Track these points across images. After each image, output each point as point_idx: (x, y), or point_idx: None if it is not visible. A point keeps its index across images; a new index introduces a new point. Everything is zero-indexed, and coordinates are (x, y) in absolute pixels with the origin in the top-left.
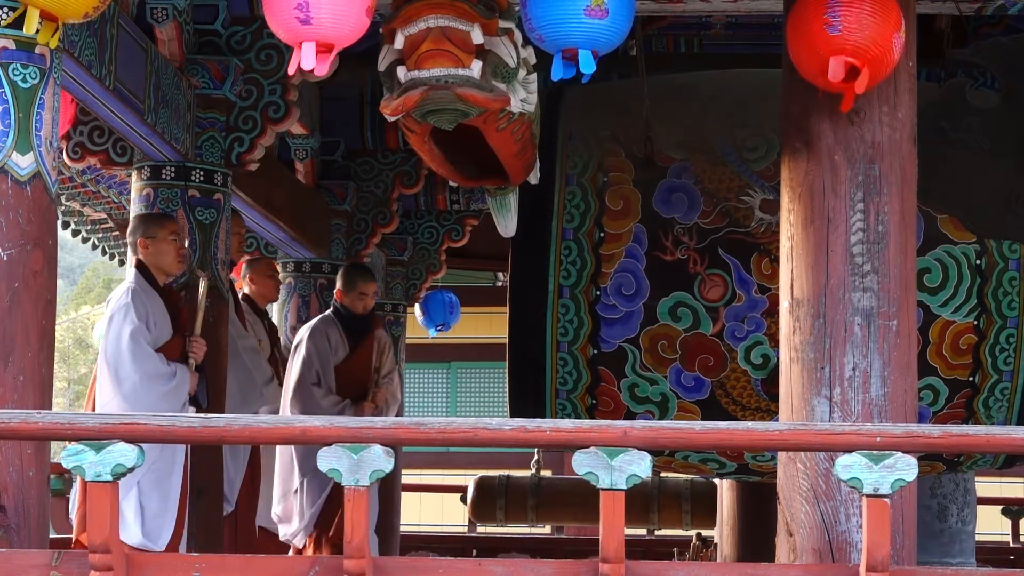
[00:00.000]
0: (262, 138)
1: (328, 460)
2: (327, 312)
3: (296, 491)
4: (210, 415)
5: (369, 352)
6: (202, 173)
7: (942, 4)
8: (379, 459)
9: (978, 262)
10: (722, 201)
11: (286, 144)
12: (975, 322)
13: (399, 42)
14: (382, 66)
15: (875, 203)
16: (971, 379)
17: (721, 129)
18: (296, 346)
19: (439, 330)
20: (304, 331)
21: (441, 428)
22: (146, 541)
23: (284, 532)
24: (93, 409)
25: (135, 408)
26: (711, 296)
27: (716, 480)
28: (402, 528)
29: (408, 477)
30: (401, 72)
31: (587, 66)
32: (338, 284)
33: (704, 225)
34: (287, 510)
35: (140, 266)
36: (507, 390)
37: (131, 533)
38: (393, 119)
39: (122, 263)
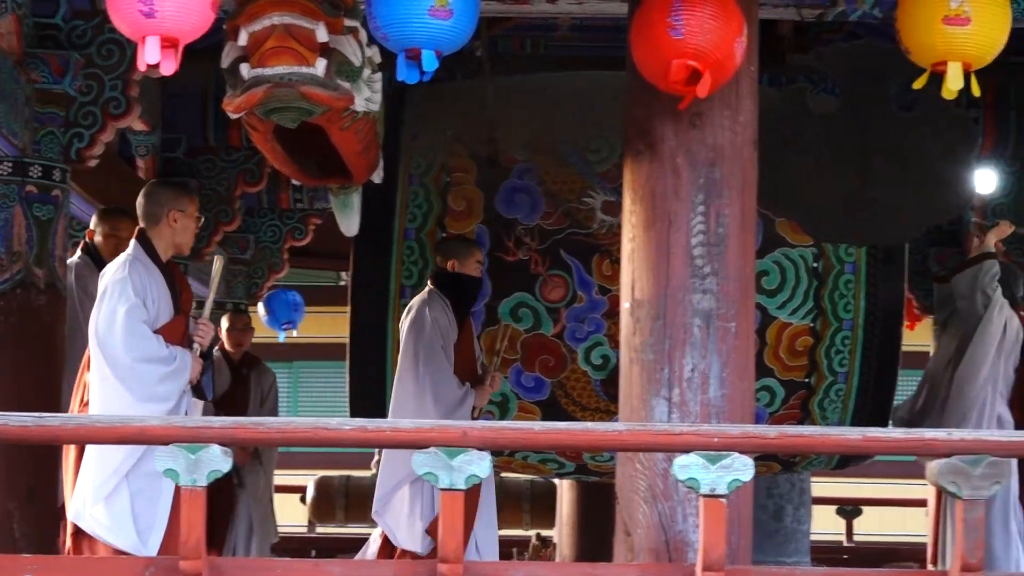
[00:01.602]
0: (102, 134)
1: (165, 460)
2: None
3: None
4: (44, 414)
5: (470, 332)
6: (40, 169)
7: (784, 10)
8: (217, 459)
9: (815, 265)
10: (564, 202)
11: (127, 140)
12: (811, 324)
13: (243, 39)
14: (226, 63)
15: (716, 206)
16: (807, 380)
17: (565, 131)
18: (411, 325)
19: (286, 329)
20: (417, 302)
21: (280, 428)
22: (139, 544)
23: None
24: (83, 394)
25: (132, 390)
26: (552, 297)
27: (556, 480)
28: None
29: None
30: (245, 69)
31: (430, 66)
32: (445, 254)
33: (546, 226)
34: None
35: (142, 238)
36: (348, 390)
37: (127, 537)
38: (236, 116)
39: None
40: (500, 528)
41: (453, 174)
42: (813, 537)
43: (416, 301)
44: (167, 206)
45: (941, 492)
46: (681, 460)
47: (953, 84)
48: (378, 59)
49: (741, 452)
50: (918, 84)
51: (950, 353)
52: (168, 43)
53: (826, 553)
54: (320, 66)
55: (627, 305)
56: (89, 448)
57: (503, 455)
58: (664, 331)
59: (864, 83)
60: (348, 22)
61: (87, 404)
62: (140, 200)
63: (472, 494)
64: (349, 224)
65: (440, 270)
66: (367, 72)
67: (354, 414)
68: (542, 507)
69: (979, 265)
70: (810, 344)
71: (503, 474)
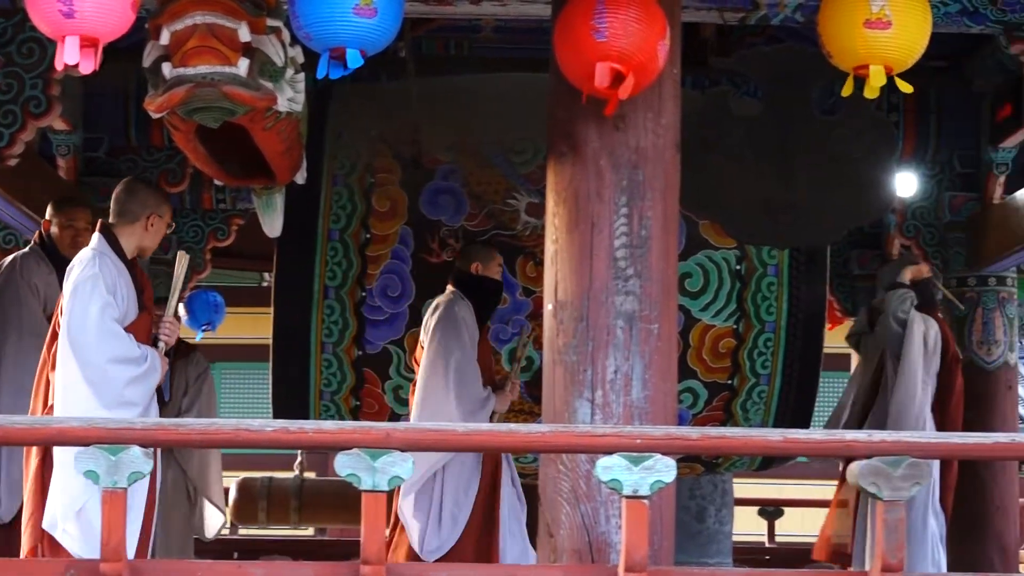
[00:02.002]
0: (22, 133)
1: (85, 462)
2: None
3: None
4: None
5: (487, 336)
6: None
7: (707, 13)
8: (138, 461)
9: (738, 267)
10: (488, 204)
11: (48, 140)
12: (734, 326)
13: (165, 38)
14: (147, 62)
15: (638, 208)
16: (730, 382)
17: (489, 132)
18: (440, 320)
19: (205, 330)
20: (444, 300)
21: (201, 429)
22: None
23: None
24: (47, 395)
25: (101, 394)
26: None
27: None
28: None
29: None
30: (167, 69)
31: (354, 62)
32: (469, 257)
33: (470, 228)
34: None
35: (107, 233)
36: (271, 392)
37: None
38: (158, 116)
39: None
40: None
41: (377, 175)
42: (735, 538)
43: (442, 299)
44: (149, 209)
45: (860, 492)
46: (604, 461)
47: (875, 87)
48: (301, 59)
49: (664, 453)
50: (845, 91)
51: (869, 376)
52: (88, 43)
53: (748, 554)
54: (242, 66)
55: (550, 307)
56: (58, 459)
57: None
58: (587, 333)
59: (786, 86)
60: (271, 22)
61: (52, 407)
62: (119, 195)
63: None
64: (272, 225)
65: (463, 272)
66: (290, 72)
67: (277, 415)
68: None
69: (892, 293)
70: (733, 346)
71: None
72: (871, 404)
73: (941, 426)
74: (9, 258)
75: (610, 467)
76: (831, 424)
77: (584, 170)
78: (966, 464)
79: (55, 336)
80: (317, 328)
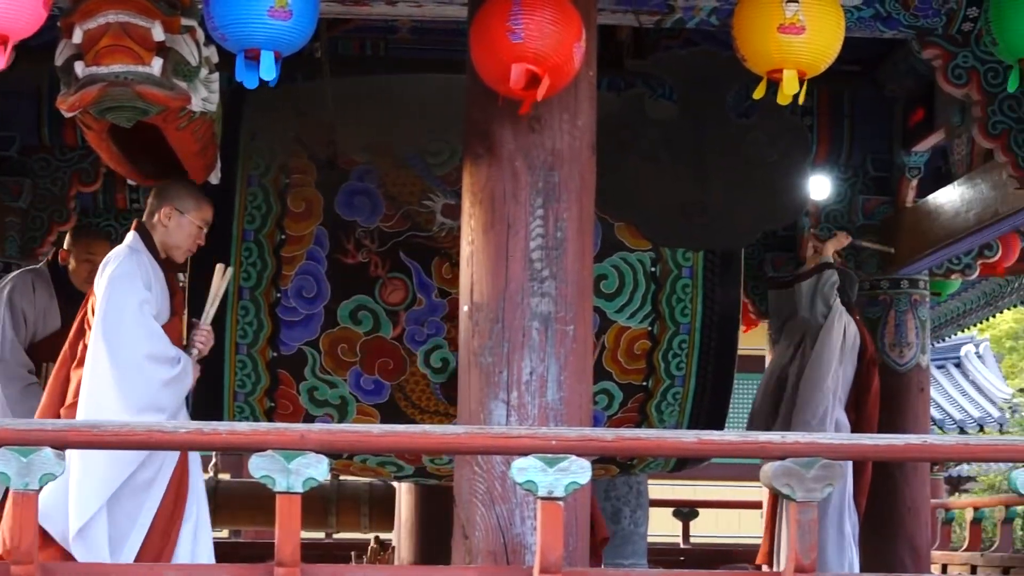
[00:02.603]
0: None
1: None
2: None
3: None
4: None
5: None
6: None
7: (623, 16)
8: (50, 462)
9: (653, 269)
10: (404, 205)
11: None
12: (649, 328)
13: (78, 36)
14: (60, 60)
15: (554, 210)
16: (645, 384)
17: (405, 133)
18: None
19: None
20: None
21: (115, 431)
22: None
23: None
24: (63, 392)
25: (132, 394)
26: (392, 300)
27: (395, 483)
28: None
29: None
30: (79, 67)
31: (268, 68)
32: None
33: (386, 229)
34: None
35: (142, 230)
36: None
37: (96, 544)
38: (71, 115)
39: None
40: (337, 531)
41: (292, 176)
42: (650, 539)
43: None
44: (164, 202)
45: (776, 494)
46: (519, 463)
47: (788, 91)
48: (215, 59)
49: (578, 455)
50: (758, 93)
51: (787, 359)
52: None
53: (663, 555)
54: (156, 65)
55: (466, 308)
56: (72, 469)
57: (342, 458)
58: (503, 334)
59: (701, 89)
60: (185, 21)
61: (73, 406)
62: (152, 192)
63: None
64: None
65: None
66: (204, 72)
67: (191, 416)
68: (381, 510)
69: (818, 275)
70: (648, 348)
71: (342, 477)
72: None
73: (857, 427)
74: (13, 276)
75: (525, 468)
76: (753, 417)
77: (500, 171)
78: (879, 465)
79: (80, 332)
80: (231, 329)
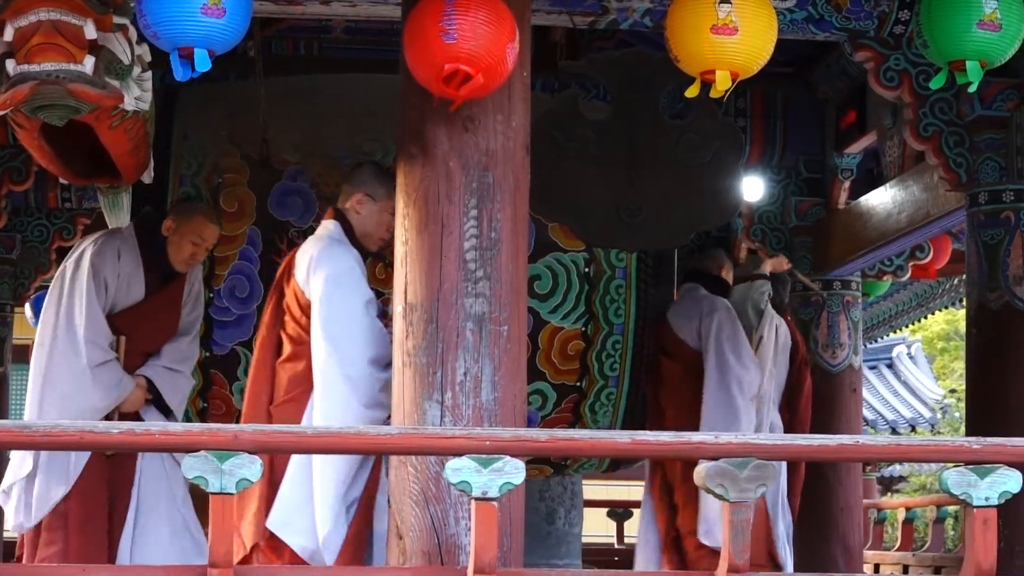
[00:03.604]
0: None
1: None
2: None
3: None
4: None
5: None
6: None
7: (557, 16)
8: None
9: (587, 270)
10: None
11: None
12: (583, 328)
13: (8, 34)
14: None
15: (488, 210)
16: (578, 384)
17: (338, 133)
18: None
19: None
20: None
21: (46, 431)
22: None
23: None
24: (271, 389)
25: (359, 391)
26: None
27: None
28: (6, 535)
29: None
30: (10, 65)
31: (202, 65)
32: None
33: None
34: None
35: (341, 218)
36: None
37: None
38: (1, 113)
39: None
40: None
41: (225, 175)
42: (585, 539)
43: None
44: (357, 188)
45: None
46: (453, 463)
47: (721, 90)
48: (148, 57)
49: (513, 455)
50: (690, 93)
51: None
52: None
53: (597, 555)
54: (88, 63)
55: (400, 308)
56: (294, 463)
57: None
58: (437, 335)
59: (635, 90)
60: (117, 19)
61: (286, 402)
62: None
63: None
64: (118, 224)
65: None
66: (137, 70)
67: (122, 417)
68: None
69: (751, 283)
70: (581, 348)
71: None
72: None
73: (790, 427)
74: (88, 240)
75: (459, 469)
76: None
77: (434, 172)
78: (812, 466)
79: (274, 323)
80: None
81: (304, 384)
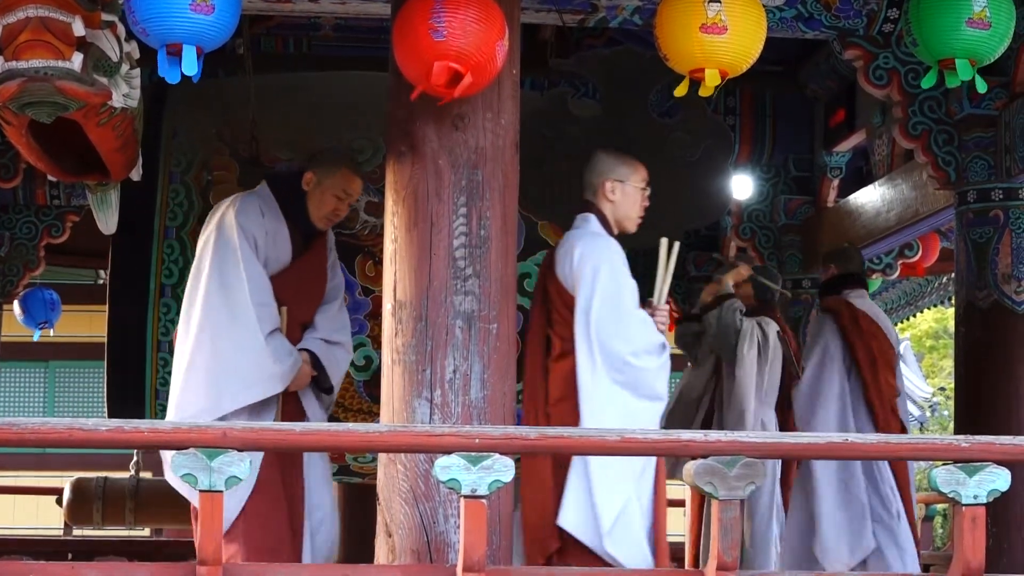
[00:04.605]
0: None
1: None
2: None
3: None
4: None
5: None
6: None
7: (546, 15)
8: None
9: None
10: None
11: None
12: None
13: None
14: None
15: (477, 208)
16: None
17: (328, 131)
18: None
19: (42, 328)
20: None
21: (35, 428)
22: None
23: None
24: (546, 387)
25: (636, 392)
26: None
27: None
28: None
29: (1, 479)
30: None
31: (190, 63)
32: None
33: None
34: None
35: (595, 210)
36: (105, 390)
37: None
38: None
39: None
40: None
41: (214, 172)
42: None
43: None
44: (603, 176)
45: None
46: (442, 461)
47: (710, 86)
48: (137, 54)
49: (502, 453)
50: (679, 91)
51: (703, 383)
52: None
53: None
54: (76, 61)
55: (389, 306)
56: (596, 464)
57: None
58: (426, 332)
59: (624, 88)
60: (106, 16)
61: (561, 400)
62: (584, 169)
63: None
64: (107, 221)
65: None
66: (125, 68)
67: (112, 414)
68: None
69: (720, 307)
70: None
71: None
72: (711, 410)
73: (784, 426)
74: (223, 205)
75: (448, 467)
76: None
77: (423, 169)
78: None
79: (543, 322)
80: (153, 326)
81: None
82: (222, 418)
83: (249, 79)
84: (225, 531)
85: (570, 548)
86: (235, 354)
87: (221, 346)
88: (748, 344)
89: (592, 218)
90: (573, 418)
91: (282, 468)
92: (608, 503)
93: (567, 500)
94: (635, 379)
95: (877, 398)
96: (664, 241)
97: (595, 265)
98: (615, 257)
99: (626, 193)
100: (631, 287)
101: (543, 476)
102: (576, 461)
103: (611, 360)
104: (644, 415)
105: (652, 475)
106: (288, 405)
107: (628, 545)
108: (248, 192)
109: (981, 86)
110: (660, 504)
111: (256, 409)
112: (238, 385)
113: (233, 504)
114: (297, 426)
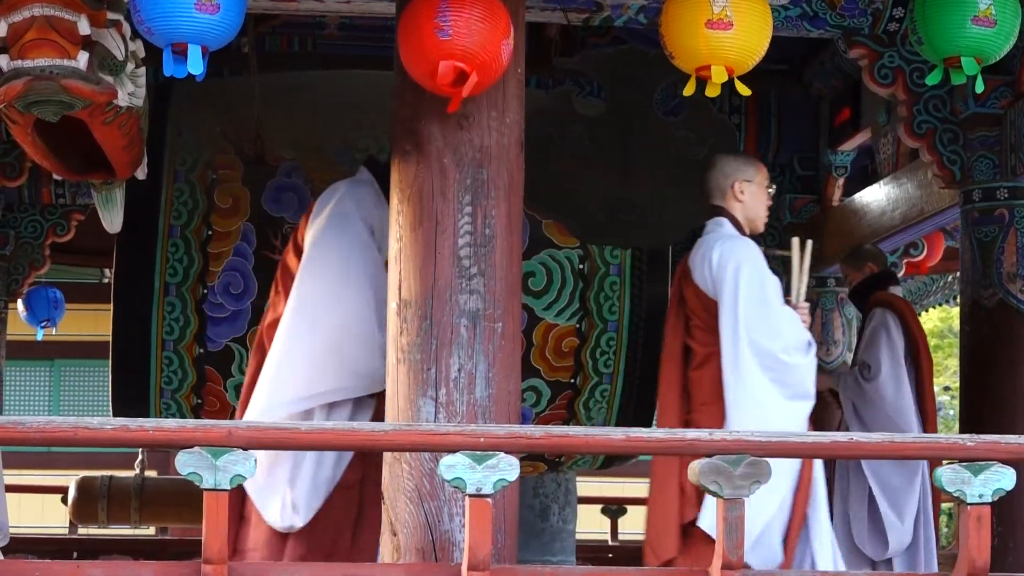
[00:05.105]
0: None
1: None
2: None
3: None
4: None
5: None
6: None
7: (551, 14)
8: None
9: (581, 266)
10: None
11: None
12: (577, 325)
13: (2, 30)
14: None
15: (482, 207)
16: (572, 381)
17: (333, 129)
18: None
19: (44, 327)
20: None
21: (40, 427)
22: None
23: None
24: (694, 393)
25: (786, 392)
26: None
27: None
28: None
29: (7, 477)
30: (4, 61)
31: (195, 62)
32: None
33: None
34: None
35: (725, 213)
36: (110, 389)
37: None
38: None
39: None
40: None
41: (219, 171)
42: (579, 536)
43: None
44: (731, 178)
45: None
46: (447, 460)
47: (716, 82)
48: (142, 53)
49: (507, 452)
50: (687, 91)
51: None
52: None
53: (591, 552)
54: (82, 59)
55: (394, 305)
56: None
57: None
58: (431, 331)
59: (629, 87)
60: (111, 15)
61: (705, 404)
62: (704, 176)
63: None
64: (112, 220)
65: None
66: (130, 66)
67: (117, 413)
68: None
69: None
70: (576, 345)
71: None
72: None
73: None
74: (337, 191)
75: (453, 465)
76: None
77: (428, 168)
78: None
79: (679, 328)
80: (158, 325)
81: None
82: (309, 413)
83: (254, 78)
84: (296, 530)
85: (686, 559)
86: (352, 350)
87: (340, 344)
88: None
89: (725, 221)
90: (718, 421)
91: (364, 470)
92: (757, 511)
93: (708, 500)
94: (785, 376)
95: (930, 387)
96: (796, 240)
97: (736, 265)
98: (755, 255)
99: (754, 192)
100: (775, 283)
101: (672, 479)
102: None
103: (762, 357)
104: (794, 414)
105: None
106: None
107: (766, 550)
108: (353, 180)
109: (979, 85)
110: (798, 510)
111: (356, 404)
112: (345, 376)
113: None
114: (303, 425)
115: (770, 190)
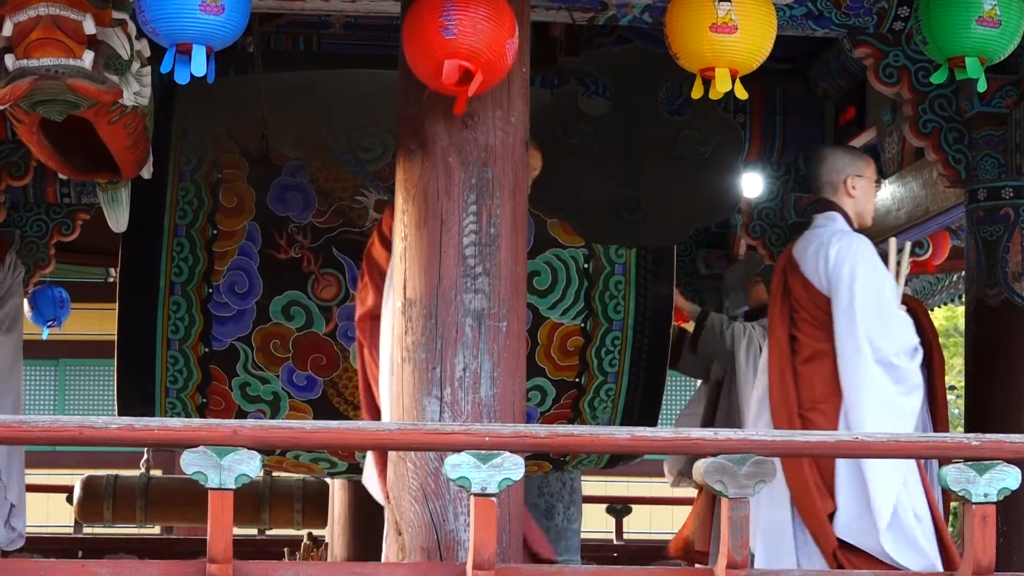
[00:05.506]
0: None
1: None
2: None
3: None
4: None
5: None
6: None
7: (556, 12)
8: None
9: (586, 266)
10: (337, 201)
11: None
12: (582, 324)
13: (7, 29)
14: None
15: (487, 206)
16: (578, 380)
17: (337, 129)
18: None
19: (50, 326)
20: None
21: (45, 426)
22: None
23: None
24: (801, 393)
25: (902, 388)
26: (325, 295)
27: (328, 480)
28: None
29: None
30: (9, 60)
31: (200, 63)
32: None
33: (318, 224)
34: None
35: (837, 208)
36: (116, 388)
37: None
38: (1, 108)
39: None
40: (269, 528)
41: (224, 171)
42: (584, 535)
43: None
44: (843, 173)
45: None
46: (452, 459)
47: (721, 88)
48: (147, 53)
49: (512, 451)
50: (695, 94)
51: (714, 392)
52: None
53: (596, 551)
54: (87, 59)
55: (399, 304)
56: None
57: (274, 454)
58: (436, 330)
59: (634, 86)
60: (116, 14)
61: (817, 405)
62: (811, 170)
63: None
64: (117, 220)
65: None
66: (136, 66)
67: (122, 412)
68: (314, 507)
69: (700, 327)
70: (581, 344)
71: (275, 473)
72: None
73: None
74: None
75: (458, 465)
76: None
77: (433, 168)
78: None
79: (780, 326)
80: (163, 324)
81: (836, 382)
82: None
83: (259, 77)
84: None
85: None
86: None
87: None
88: (738, 344)
89: (837, 216)
90: (833, 421)
91: None
92: (881, 502)
93: (840, 508)
94: (897, 378)
95: (942, 389)
96: (893, 240)
97: (853, 264)
98: (872, 254)
99: (864, 187)
100: (891, 285)
101: (805, 478)
102: (840, 466)
103: (879, 357)
104: (912, 408)
105: (918, 479)
106: None
107: (906, 543)
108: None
109: (982, 85)
110: (933, 506)
111: None
112: None
113: None
114: (307, 424)
115: (878, 186)
